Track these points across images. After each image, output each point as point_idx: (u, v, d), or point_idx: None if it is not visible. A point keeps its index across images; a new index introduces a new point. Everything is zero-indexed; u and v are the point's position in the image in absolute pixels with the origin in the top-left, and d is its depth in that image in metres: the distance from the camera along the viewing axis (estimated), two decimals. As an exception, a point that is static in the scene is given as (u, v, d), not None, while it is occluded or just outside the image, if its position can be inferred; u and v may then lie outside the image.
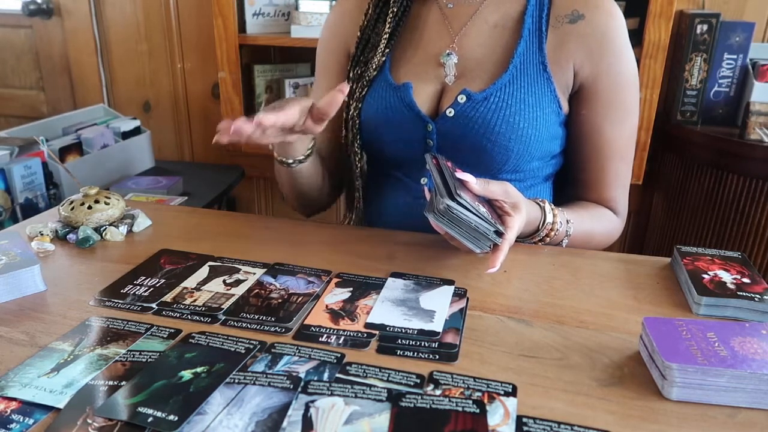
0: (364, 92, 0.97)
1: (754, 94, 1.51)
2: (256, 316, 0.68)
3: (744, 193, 1.47)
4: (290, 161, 0.91)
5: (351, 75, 1.00)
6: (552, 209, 0.87)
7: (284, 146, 0.89)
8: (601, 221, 0.96)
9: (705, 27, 1.52)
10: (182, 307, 0.70)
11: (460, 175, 0.74)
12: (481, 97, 0.89)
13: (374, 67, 0.96)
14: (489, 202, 0.78)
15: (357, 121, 0.98)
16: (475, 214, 0.71)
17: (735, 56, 1.54)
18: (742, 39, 1.53)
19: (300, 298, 0.72)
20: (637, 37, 1.51)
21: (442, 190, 0.71)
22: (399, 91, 0.93)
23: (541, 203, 0.87)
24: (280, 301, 0.72)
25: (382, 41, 0.97)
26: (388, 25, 0.97)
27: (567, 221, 0.89)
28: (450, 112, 0.90)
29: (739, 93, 1.57)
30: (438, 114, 0.93)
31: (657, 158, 1.74)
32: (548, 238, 0.87)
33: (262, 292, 0.74)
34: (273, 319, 0.68)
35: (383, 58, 0.96)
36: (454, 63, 0.93)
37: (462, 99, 0.90)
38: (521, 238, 0.87)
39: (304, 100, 0.78)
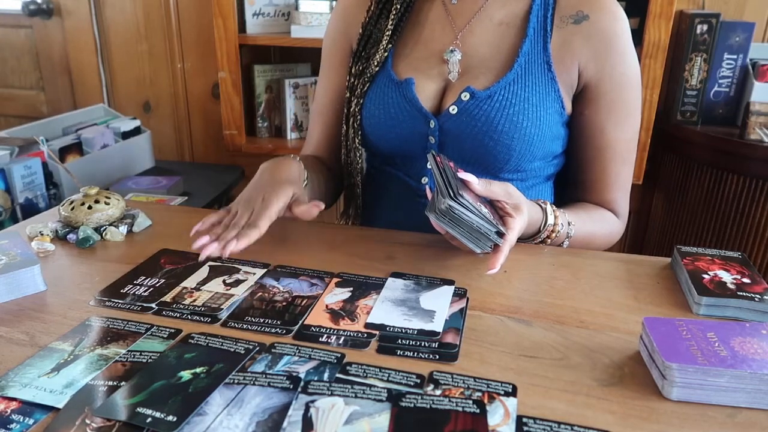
0: (365, 88, 0.97)
1: (754, 94, 1.51)
2: (261, 320, 0.68)
3: (744, 193, 1.47)
4: None
5: (353, 71, 1.00)
6: (554, 211, 0.87)
7: None
8: (602, 223, 0.96)
9: (705, 27, 1.52)
10: (182, 307, 0.70)
11: (462, 175, 0.74)
12: (485, 95, 0.89)
13: (376, 62, 0.96)
14: (490, 203, 0.78)
15: (358, 117, 0.98)
16: (476, 215, 0.71)
17: (735, 56, 1.54)
18: (742, 39, 1.53)
19: (304, 301, 0.72)
20: (637, 37, 1.50)
21: (444, 190, 0.71)
22: (401, 86, 0.93)
23: (542, 204, 0.86)
24: (284, 304, 0.71)
25: (385, 37, 0.97)
26: (390, 21, 0.97)
27: (568, 223, 0.89)
28: (453, 109, 0.90)
29: (739, 93, 1.57)
30: (440, 111, 0.93)
31: (657, 158, 1.74)
32: (549, 240, 0.87)
33: (266, 294, 0.74)
34: (279, 322, 0.67)
35: (385, 54, 0.96)
36: (458, 60, 0.93)
37: (465, 96, 0.90)
38: (522, 239, 0.87)
39: (273, 205, 0.79)
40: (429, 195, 0.78)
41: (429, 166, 0.78)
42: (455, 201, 0.70)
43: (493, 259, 0.72)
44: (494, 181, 0.77)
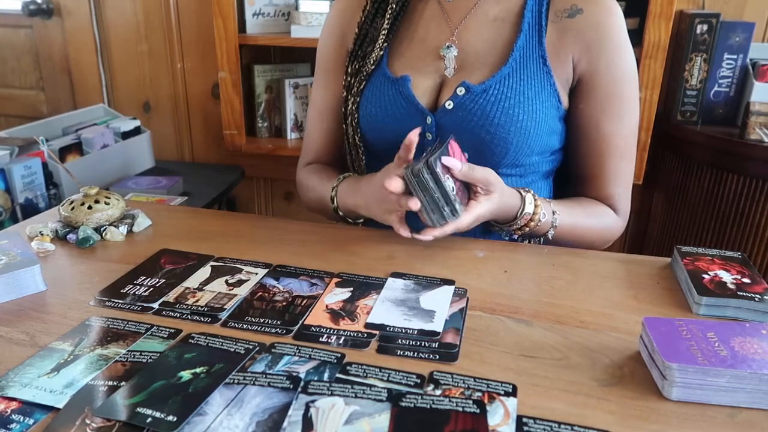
0: (362, 86, 0.98)
1: (754, 94, 1.50)
2: (261, 320, 0.68)
3: (744, 193, 1.47)
4: (353, 221, 1.00)
5: (349, 69, 1.01)
6: (534, 199, 0.87)
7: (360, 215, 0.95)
8: (597, 217, 0.96)
9: (705, 27, 1.52)
10: (184, 307, 0.70)
11: (447, 160, 0.77)
12: (480, 89, 0.89)
13: (372, 61, 0.97)
14: (468, 188, 0.81)
15: (356, 116, 0.99)
16: (440, 187, 0.75)
17: (735, 56, 1.54)
18: (742, 39, 1.53)
19: (304, 301, 0.72)
20: (637, 37, 1.51)
21: (427, 158, 0.76)
22: (397, 84, 0.94)
23: (523, 193, 0.87)
24: (284, 303, 0.71)
25: (381, 35, 0.97)
26: (386, 20, 0.98)
27: (552, 212, 0.89)
28: (449, 105, 0.91)
29: (739, 93, 1.57)
30: (437, 107, 0.93)
31: (657, 158, 1.74)
32: (528, 228, 0.87)
33: (266, 294, 0.74)
34: (279, 322, 0.68)
35: (381, 52, 0.97)
36: (454, 56, 0.94)
37: (461, 91, 0.90)
38: (499, 223, 0.89)
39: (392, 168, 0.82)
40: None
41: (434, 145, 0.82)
42: (425, 167, 0.74)
43: (429, 229, 0.78)
44: (479, 167, 0.79)
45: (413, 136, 0.80)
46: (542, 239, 0.93)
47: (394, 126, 0.95)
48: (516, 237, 0.92)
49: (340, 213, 0.98)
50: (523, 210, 0.86)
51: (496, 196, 0.81)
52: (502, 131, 0.89)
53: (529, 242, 0.95)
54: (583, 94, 0.93)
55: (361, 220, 1.00)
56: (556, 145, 0.96)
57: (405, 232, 0.83)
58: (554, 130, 0.93)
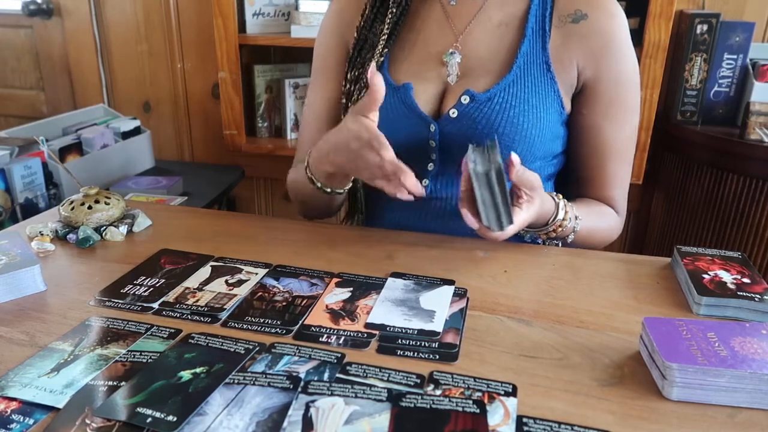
0: (362, 93, 0.96)
1: (754, 94, 1.51)
2: (261, 320, 0.68)
3: (744, 193, 1.47)
4: (332, 191, 0.90)
5: (348, 76, 0.99)
6: (565, 206, 0.87)
7: (337, 178, 0.88)
8: (604, 218, 0.96)
9: (705, 27, 1.52)
10: (184, 307, 0.70)
11: (514, 157, 0.76)
12: (484, 97, 0.89)
13: None
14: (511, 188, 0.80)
15: None
16: (503, 193, 0.74)
17: (735, 56, 1.54)
18: (742, 39, 1.53)
19: (304, 301, 0.72)
20: (637, 37, 1.51)
21: (494, 157, 0.75)
22: (399, 92, 0.93)
23: (557, 199, 0.87)
24: (284, 303, 0.71)
25: (381, 41, 0.96)
26: (387, 25, 0.96)
27: (575, 217, 0.89)
28: (453, 113, 0.90)
29: (739, 93, 1.57)
30: (440, 114, 0.92)
31: (657, 158, 1.74)
32: (555, 233, 0.88)
33: (266, 294, 0.74)
34: (279, 322, 0.68)
35: (382, 59, 0.96)
36: (457, 62, 0.93)
37: (465, 99, 0.89)
38: (530, 229, 0.88)
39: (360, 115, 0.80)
40: (470, 149, 0.78)
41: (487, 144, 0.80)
42: (494, 171, 0.73)
43: (486, 232, 0.76)
44: (528, 170, 0.78)
45: (376, 75, 0.77)
46: (560, 243, 0.93)
47: (396, 134, 0.93)
48: (540, 240, 0.92)
49: (318, 183, 0.89)
50: (555, 216, 0.86)
51: (538, 202, 0.80)
52: (506, 140, 0.89)
53: (546, 244, 0.94)
54: (586, 100, 0.93)
55: (342, 190, 0.91)
56: (558, 149, 0.96)
57: (403, 194, 0.77)
58: (557, 135, 0.93)
